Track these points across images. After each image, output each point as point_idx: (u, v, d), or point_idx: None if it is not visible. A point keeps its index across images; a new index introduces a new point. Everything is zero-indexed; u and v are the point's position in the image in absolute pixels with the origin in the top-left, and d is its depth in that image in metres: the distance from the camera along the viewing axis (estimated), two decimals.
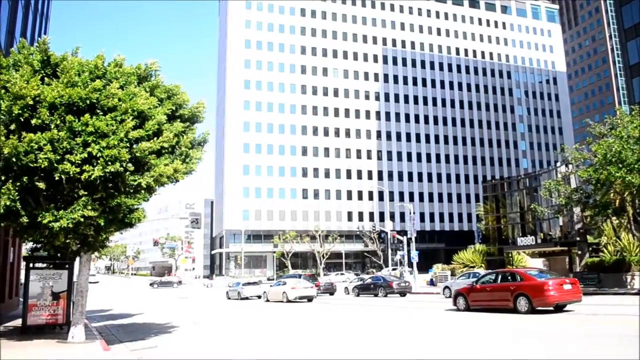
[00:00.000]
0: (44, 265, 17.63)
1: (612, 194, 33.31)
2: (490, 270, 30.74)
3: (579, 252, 39.75)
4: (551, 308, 20.02)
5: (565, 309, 20.46)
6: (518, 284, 20.42)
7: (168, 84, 16.23)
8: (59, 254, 17.22)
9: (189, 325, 21.16)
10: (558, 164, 46.24)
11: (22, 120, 13.14)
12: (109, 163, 12.83)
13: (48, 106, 13.13)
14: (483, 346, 13.22)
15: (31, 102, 12.95)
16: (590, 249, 40.12)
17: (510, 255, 47.24)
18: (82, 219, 13.15)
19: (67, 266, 17.66)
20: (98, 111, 13.65)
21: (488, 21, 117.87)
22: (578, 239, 40.16)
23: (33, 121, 13.05)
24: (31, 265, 17.31)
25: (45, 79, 14.18)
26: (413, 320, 20.78)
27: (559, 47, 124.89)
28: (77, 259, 16.88)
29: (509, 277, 21.40)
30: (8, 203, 12.73)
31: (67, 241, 14.39)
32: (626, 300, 24.60)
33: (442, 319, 20.19)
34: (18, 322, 19.04)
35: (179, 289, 73.42)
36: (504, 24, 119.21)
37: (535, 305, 19.52)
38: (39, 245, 17.56)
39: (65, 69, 14.08)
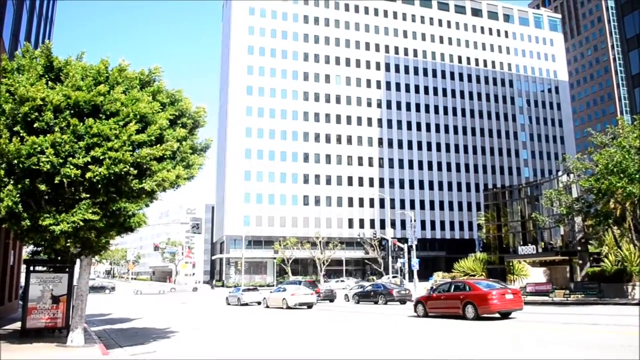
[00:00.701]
0: (45, 268, 17.63)
1: (612, 204, 33.28)
2: (446, 281, 31.65)
3: (580, 262, 39.71)
4: (497, 315, 22.14)
5: (510, 316, 22.49)
6: (466, 293, 22.64)
7: (170, 89, 16.33)
8: (59, 257, 17.24)
9: (188, 331, 21.13)
10: (559, 173, 46.30)
11: (27, 122, 13.21)
12: (113, 165, 12.90)
13: (53, 109, 13.20)
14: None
15: (40, 103, 13.02)
16: (591, 258, 40.09)
17: (510, 264, 47.19)
18: (82, 223, 13.18)
19: (67, 270, 17.66)
20: (101, 115, 13.73)
21: (490, 30, 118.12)
22: (579, 248, 40.13)
23: (36, 124, 13.11)
24: (31, 268, 17.31)
25: (49, 82, 14.27)
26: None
27: (561, 56, 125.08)
28: (78, 262, 16.88)
29: (460, 287, 23.60)
30: (10, 204, 12.77)
31: (68, 244, 14.41)
32: (612, 310, 24.54)
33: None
34: (17, 325, 19.03)
35: (112, 295, 67.50)
36: (506, 32, 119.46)
37: (480, 313, 21.62)
38: (39, 249, 17.59)
39: (69, 73, 14.18)
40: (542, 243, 45.58)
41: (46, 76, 14.46)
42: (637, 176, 27.75)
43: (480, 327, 19.04)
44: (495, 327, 19.04)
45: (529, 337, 16.26)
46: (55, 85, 13.99)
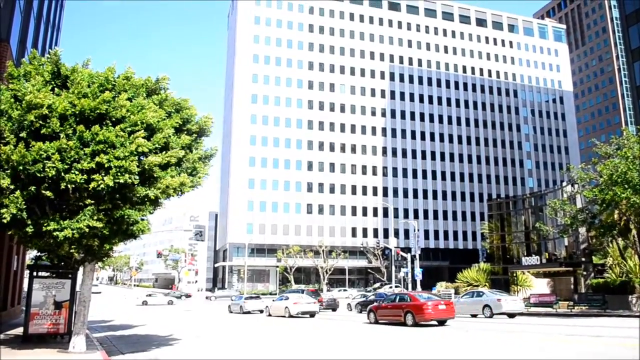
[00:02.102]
0: (48, 274, 17.67)
1: (617, 215, 33.12)
2: (393, 293, 34.97)
3: (584, 273, 39.50)
4: (435, 322, 25.54)
5: (446, 323, 25.71)
6: (407, 303, 26.08)
7: (177, 97, 16.40)
8: (62, 263, 17.27)
9: (190, 338, 21.08)
10: (564, 183, 46.16)
11: (33, 129, 13.28)
12: (119, 174, 12.92)
13: (59, 116, 13.27)
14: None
15: (46, 112, 13.09)
16: (596, 269, 39.86)
17: (514, 274, 46.99)
18: (87, 229, 13.21)
19: (70, 275, 17.68)
20: (107, 122, 13.79)
21: (495, 40, 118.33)
22: (583, 259, 39.93)
23: (43, 130, 13.18)
24: (35, 273, 17.34)
25: (56, 89, 14.37)
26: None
27: (566, 67, 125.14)
28: (81, 268, 16.91)
29: (403, 298, 27.23)
30: (14, 212, 12.81)
31: (72, 250, 14.45)
32: (609, 322, 24.35)
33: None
34: (19, 331, 19.02)
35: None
36: (511, 42, 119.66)
37: (417, 320, 25.05)
38: (42, 254, 17.61)
39: (75, 80, 14.27)
40: (546, 254, 45.40)
41: (52, 83, 14.56)
42: None
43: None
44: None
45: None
46: (62, 92, 14.08)
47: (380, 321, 27.66)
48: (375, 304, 30.95)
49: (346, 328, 26.00)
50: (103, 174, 12.98)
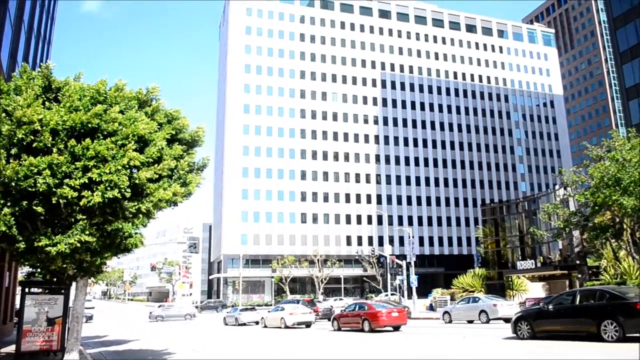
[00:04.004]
0: (40, 290, 17.48)
1: (610, 217, 33.22)
2: (353, 302, 37.08)
3: (579, 276, 39.62)
4: (390, 328, 28.20)
5: (400, 329, 28.31)
6: (364, 312, 28.61)
7: (168, 108, 16.34)
8: (55, 279, 17.11)
9: (186, 352, 20.89)
10: (556, 187, 46.30)
11: (25, 144, 13.17)
12: (109, 189, 12.80)
13: (50, 130, 13.17)
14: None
15: (38, 127, 12.99)
16: (590, 272, 39.96)
17: (509, 279, 47.02)
18: (79, 244, 13.09)
19: (63, 291, 17.50)
20: (99, 135, 13.69)
21: (485, 45, 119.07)
22: (578, 262, 40.06)
23: (35, 145, 13.08)
24: (27, 290, 17.15)
25: (47, 103, 14.27)
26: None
27: (556, 71, 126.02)
28: (74, 284, 16.75)
29: (362, 307, 29.77)
30: (4, 229, 12.68)
31: (64, 266, 14.32)
32: None
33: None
34: (12, 349, 18.78)
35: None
36: (500, 47, 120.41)
37: (372, 327, 27.52)
38: (34, 270, 17.43)
39: (67, 93, 14.18)
40: (541, 257, 45.51)
41: (43, 96, 14.45)
42: (631, 188, 27.75)
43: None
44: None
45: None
46: (53, 106, 13.99)
47: (343, 328, 29.99)
48: (338, 312, 33.52)
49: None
50: (93, 190, 12.85)
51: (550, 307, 18.19)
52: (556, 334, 17.91)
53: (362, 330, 27.94)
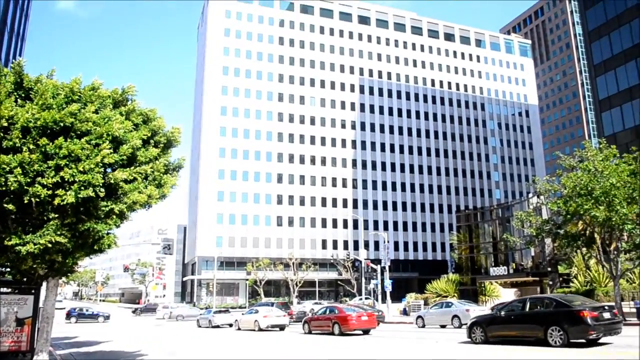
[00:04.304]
0: (9, 290, 17.12)
1: (581, 226, 33.81)
2: (324, 306, 36.30)
3: (550, 282, 40.24)
4: (360, 332, 28.40)
5: (369, 333, 28.62)
6: (335, 315, 28.85)
7: (144, 107, 16.20)
8: (25, 279, 16.80)
9: (160, 354, 20.68)
10: (530, 195, 47.02)
11: None
12: (82, 188, 12.63)
13: (20, 128, 12.94)
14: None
15: (5, 124, 12.76)
16: (561, 279, 40.65)
17: (482, 285, 47.55)
18: (50, 245, 12.88)
19: (33, 291, 17.17)
20: (72, 134, 13.51)
21: (463, 54, 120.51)
22: (549, 269, 40.69)
23: (4, 143, 12.85)
24: None
25: (19, 100, 14.02)
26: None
27: (531, 81, 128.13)
28: (44, 284, 16.47)
29: (333, 311, 29.78)
30: None
31: (35, 266, 14.08)
32: None
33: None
34: None
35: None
36: (478, 57, 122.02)
37: (342, 330, 27.78)
38: (4, 270, 17.10)
39: (39, 91, 13.95)
40: (513, 264, 46.14)
41: (15, 94, 14.20)
42: (602, 199, 28.31)
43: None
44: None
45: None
46: (25, 104, 13.75)
47: (314, 331, 30.15)
48: (309, 315, 33.95)
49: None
50: (67, 189, 12.68)
51: (503, 313, 19.20)
52: (507, 339, 18.79)
53: (332, 333, 28.21)
